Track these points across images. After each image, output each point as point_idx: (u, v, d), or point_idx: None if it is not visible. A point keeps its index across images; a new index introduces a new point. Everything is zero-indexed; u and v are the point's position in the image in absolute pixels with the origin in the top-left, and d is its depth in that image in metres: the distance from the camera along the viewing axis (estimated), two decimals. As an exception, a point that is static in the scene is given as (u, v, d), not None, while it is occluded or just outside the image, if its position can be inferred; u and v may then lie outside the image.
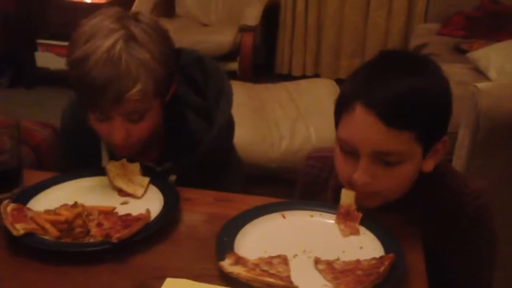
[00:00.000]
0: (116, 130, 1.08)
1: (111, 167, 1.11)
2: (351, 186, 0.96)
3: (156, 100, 1.11)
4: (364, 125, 0.90)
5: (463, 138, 1.56)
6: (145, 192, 1.08)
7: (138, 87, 1.03)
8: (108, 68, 1.02)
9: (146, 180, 1.10)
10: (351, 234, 0.96)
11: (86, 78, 1.03)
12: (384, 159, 0.91)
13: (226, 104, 1.22)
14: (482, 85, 1.52)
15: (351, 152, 0.94)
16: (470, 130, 1.51)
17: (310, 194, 1.18)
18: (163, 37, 1.11)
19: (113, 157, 1.17)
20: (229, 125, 1.28)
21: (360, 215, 0.98)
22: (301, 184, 1.21)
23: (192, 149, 1.19)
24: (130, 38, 1.04)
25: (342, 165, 0.97)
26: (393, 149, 0.90)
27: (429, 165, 0.97)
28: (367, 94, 0.90)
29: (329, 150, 1.05)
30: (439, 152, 0.97)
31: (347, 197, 0.99)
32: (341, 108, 0.94)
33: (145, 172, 1.12)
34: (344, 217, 0.99)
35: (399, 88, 0.89)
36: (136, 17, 1.09)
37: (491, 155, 1.55)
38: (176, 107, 1.19)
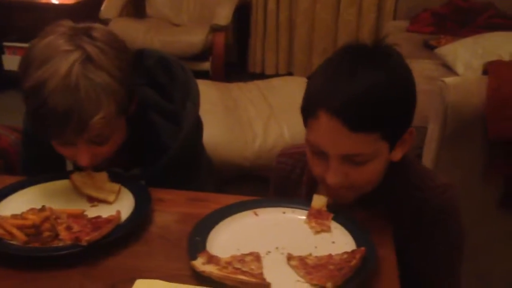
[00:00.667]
0: (80, 153, 1.04)
1: (77, 177, 1.08)
2: (325, 184, 0.97)
3: (120, 119, 1.07)
4: (329, 131, 0.91)
5: (432, 132, 1.58)
6: (116, 197, 1.06)
7: (100, 114, 0.98)
8: (66, 97, 0.95)
9: (117, 186, 1.07)
10: (322, 231, 0.97)
11: (43, 108, 0.96)
12: (352, 160, 0.93)
13: (192, 105, 1.20)
14: (449, 79, 1.55)
15: (320, 153, 0.95)
16: (439, 124, 1.54)
17: (283, 190, 1.18)
18: (121, 51, 1.05)
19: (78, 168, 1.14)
20: (197, 127, 1.26)
21: (331, 215, 0.99)
22: (274, 181, 1.22)
23: (160, 153, 1.16)
24: (87, 60, 0.98)
25: (313, 164, 0.99)
26: (360, 152, 0.92)
27: (397, 155, 0.99)
28: (329, 100, 0.89)
29: (301, 146, 1.06)
30: (407, 142, 0.99)
31: (318, 201, 1.01)
32: (306, 113, 0.95)
33: (114, 177, 1.10)
34: (315, 216, 1.00)
35: (359, 89, 0.88)
36: (89, 34, 1.01)
37: (459, 149, 1.58)
38: (141, 111, 1.16)
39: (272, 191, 1.23)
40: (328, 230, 0.97)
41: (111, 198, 1.05)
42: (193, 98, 1.21)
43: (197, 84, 1.24)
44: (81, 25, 1.04)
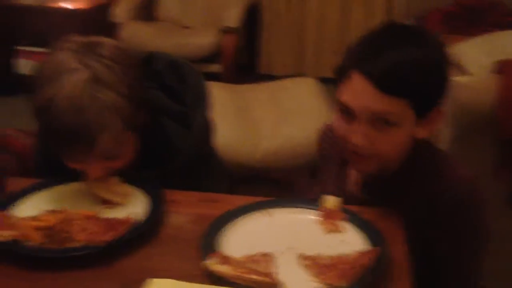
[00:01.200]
0: (91, 171, 1.05)
1: (91, 182, 1.08)
2: (347, 143, 1.00)
3: (129, 133, 1.04)
4: (359, 91, 0.94)
5: (444, 130, 1.58)
6: (129, 199, 1.07)
7: (107, 133, 0.97)
8: (72, 117, 0.95)
9: (129, 188, 1.08)
10: (334, 230, 0.97)
11: (51, 127, 0.98)
12: (378, 123, 0.95)
13: (203, 108, 1.20)
14: (460, 79, 1.55)
15: (348, 113, 0.98)
16: (450, 123, 1.53)
17: (327, 159, 1.22)
18: (128, 66, 1.03)
19: None
20: (208, 129, 1.26)
21: (343, 215, 0.99)
22: (319, 151, 1.27)
23: (171, 156, 1.17)
24: (94, 80, 0.97)
25: (339, 125, 1.01)
26: (386, 113, 0.94)
27: (422, 133, 1.00)
28: (364, 63, 0.94)
29: None
30: (433, 121, 1.00)
31: (331, 201, 1.02)
32: (340, 74, 0.99)
33: (127, 179, 1.10)
34: (327, 216, 1.00)
35: (394, 58, 0.93)
36: (98, 52, 1.00)
37: (470, 147, 1.57)
38: (152, 115, 1.15)
39: (318, 162, 1.28)
40: (340, 230, 0.97)
41: (124, 200, 1.06)
42: (204, 100, 1.21)
43: (207, 87, 1.24)
44: (89, 39, 1.03)
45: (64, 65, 0.97)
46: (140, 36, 3.46)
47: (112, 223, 0.96)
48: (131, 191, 1.08)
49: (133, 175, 1.14)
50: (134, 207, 1.02)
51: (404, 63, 0.92)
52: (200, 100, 1.21)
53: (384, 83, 0.92)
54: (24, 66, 3.71)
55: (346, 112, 0.98)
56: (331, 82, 1.02)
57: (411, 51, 0.94)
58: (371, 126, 0.96)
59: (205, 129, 1.23)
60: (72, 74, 0.96)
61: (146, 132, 1.14)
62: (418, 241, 0.97)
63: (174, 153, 1.17)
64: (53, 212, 0.99)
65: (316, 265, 0.87)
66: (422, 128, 0.99)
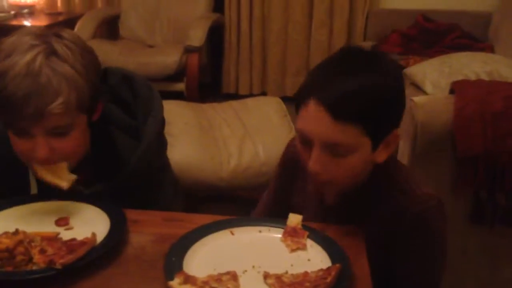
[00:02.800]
0: (38, 146, 1.03)
1: (37, 167, 1.08)
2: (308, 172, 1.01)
3: (81, 116, 1.07)
4: (315, 118, 0.95)
5: (404, 149, 1.62)
6: (71, 186, 1.07)
7: (59, 100, 0.99)
8: (27, 82, 0.98)
9: (73, 176, 1.08)
10: (298, 249, 0.98)
11: (3, 93, 0.98)
12: (333, 150, 0.96)
13: (154, 122, 1.21)
14: (418, 98, 1.60)
15: (307, 142, 0.99)
16: (409, 141, 1.58)
17: (291, 175, 1.22)
18: (87, 52, 1.08)
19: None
20: (158, 143, 1.26)
21: (307, 233, 1.00)
22: (281, 168, 1.27)
23: (121, 169, 1.17)
24: (51, 52, 1.01)
25: (301, 153, 1.03)
26: (340, 141, 0.95)
27: (381, 157, 1.02)
28: (320, 90, 0.95)
29: None
30: (391, 144, 1.02)
31: (294, 219, 1.04)
32: (299, 101, 1.00)
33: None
34: (290, 234, 1.01)
35: (348, 85, 0.94)
36: (58, 34, 1.05)
37: (429, 165, 1.62)
38: (103, 126, 1.17)
39: (278, 177, 1.28)
40: (303, 248, 0.98)
41: (65, 184, 1.06)
42: (155, 114, 1.22)
43: (161, 103, 1.25)
44: (52, 29, 1.08)
45: (24, 42, 1.02)
46: (103, 54, 3.43)
47: (71, 245, 0.94)
48: (74, 179, 1.08)
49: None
50: (95, 227, 1.01)
51: (357, 90, 0.93)
52: (151, 114, 1.22)
53: (337, 110, 0.93)
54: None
55: (305, 140, 0.99)
56: (294, 101, 1.04)
57: (365, 77, 0.94)
58: (326, 153, 0.97)
59: (155, 142, 1.22)
60: (30, 48, 1.01)
61: (97, 142, 1.15)
62: (379, 257, 0.98)
63: (121, 166, 1.17)
64: (11, 234, 0.96)
65: (280, 283, 0.87)
66: (379, 152, 1.01)
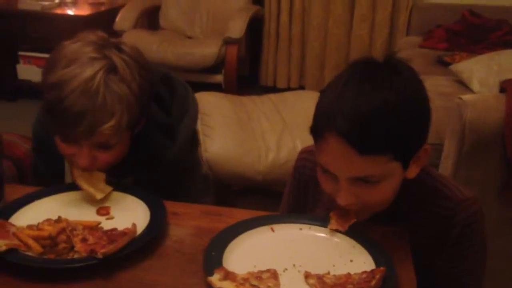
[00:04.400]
0: (82, 156, 1.06)
1: (77, 169, 1.09)
2: (332, 209, 0.97)
3: (127, 132, 1.09)
4: (337, 154, 0.88)
5: (449, 149, 1.57)
6: (105, 198, 1.07)
7: (111, 122, 1.01)
8: (84, 99, 0.99)
9: (109, 188, 1.09)
10: (336, 230, 0.97)
11: (60, 105, 1.00)
12: (363, 180, 0.91)
13: (189, 121, 1.23)
14: (467, 97, 1.54)
15: (330, 173, 0.94)
16: (456, 141, 1.52)
17: (304, 187, 1.17)
18: (143, 68, 1.09)
19: None
20: (191, 142, 1.28)
21: (354, 220, 0.97)
22: (294, 179, 1.20)
23: (153, 165, 1.18)
24: (111, 69, 1.02)
25: (324, 183, 0.97)
26: (370, 174, 0.90)
27: (412, 172, 0.97)
28: (336, 122, 0.86)
29: None
30: (422, 159, 0.97)
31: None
32: (315, 133, 0.93)
33: (123, 186, 1.11)
34: (339, 214, 0.98)
35: (365, 109, 0.85)
36: (118, 46, 1.06)
37: (476, 166, 1.56)
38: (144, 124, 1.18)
39: (290, 190, 1.21)
40: (343, 229, 0.96)
41: (99, 195, 1.06)
42: (192, 114, 1.25)
43: (195, 100, 1.28)
44: (112, 39, 1.09)
45: (85, 52, 1.02)
46: (143, 45, 3.46)
47: (113, 235, 0.94)
48: (109, 191, 1.08)
49: (112, 183, 1.13)
50: (136, 219, 1.00)
51: (380, 113, 0.84)
52: (187, 114, 1.24)
53: (362, 145, 0.85)
54: (26, 71, 3.70)
55: (329, 173, 0.93)
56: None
57: (382, 94, 0.85)
58: (356, 184, 0.91)
59: (188, 141, 1.24)
60: (91, 61, 1.01)
61: (134, 139, 1.16)
62: (418, 262, 0.94)
63: (154, 163, 1.19)
64: (53, 221, 0.97)
65: (322, 284, 0.85)
66: (411, 169, 0.95)
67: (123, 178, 1.18)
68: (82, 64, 1.01)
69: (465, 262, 1.02)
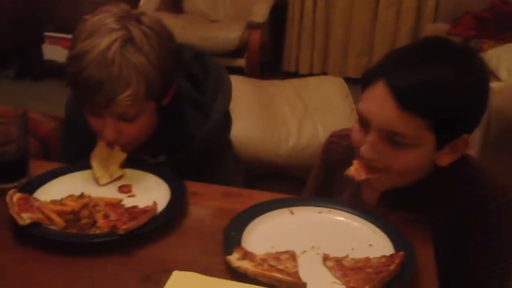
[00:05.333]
0: (107, 128, 1.08)
1: (100, 146, 1.11)
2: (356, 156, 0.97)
3: (149, 103, 1.09)
4: (380, 101, 0.90)
5: (474, 138, 1.54)
6: (109, 182, 1.07)
7: (128, 91, 1.02)
8: (101, 69, 1.01)
9: (119, 173, 1.09)
10: (353, 175, 0.96)
11: (79, 76, 1.02)
12: (392, 139, 0.91)
13: (223, 99, 1.22)
14: (494, 84, 1.51)
15: (365, 124, 0.94)
16: (481, 130, 1.50)
17: (331, 171, 1.18)
18: (165, 39, 1.09)
19: None
20: (226, 121, 1.27)
21: (372, 176, 0.96)
22: (322, 162, 1.21)
23: (187, 143, 1.18)
24: (128, 40, 1.03)
25: (355, 133, 0.98)
26: (402, 131, 0.89)
27: (444, 160, 0.96)
28: (391, 74, 0.90)
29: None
30: (458, 150, 0.95)
31: None
32: (367, 81, 0.95)
33: (139, 164, 1.12)
34: (362, 163, 0.97)
35: (424, 75, 0.88)
36: (138, 18, 1.06)
37: (502, 155, 1.54)
38: (174, 101, 1.18)
39: (317, 173, 1.23)
40: (358, 177, 0.96)
41: (103, 181, 1.07)
42: (225, 93, 1.23)
43: (229, 79, 1.26)
44: (134, 11, 1.10)
45: (105, 24, 1.04)
46: (170, 27, 3.46)
47: (134, 212, 0.95)
48: (118, 176, 1.08)
49: (145, 161, 1.15)
50: (156, 197, 1.01)
51: (435, 83, 0.87)
52: (221, 91, 1.23)
53: (406, 100, 0.87)
54: (51, 52, 3.75)
55: (363, 122, 0.94)
56: (356, 82, 0.99)
57: (446, 71, 0.88)
58: (384, 141, 0.91)
59: (222, 120, 1.24)
60: (109, 32, 1.03)
61: (166, 115, 1.17)
62: (444, 249, 0.94)
63: (188, 140, 1.19)
64: (76, 197, 0.99)
65: (340, 267, 0.85)
66: (444, 155, 0.95)
67: (157, 156, 1.19)
68: (100, 35, 1.02)
69: (493, 253, 1.01)
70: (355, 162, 0.97)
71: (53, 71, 3.68)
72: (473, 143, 1.53)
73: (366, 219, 0.98)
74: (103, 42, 1.01)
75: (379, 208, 1.03)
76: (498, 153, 1.52)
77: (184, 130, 1.21)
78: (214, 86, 1.23)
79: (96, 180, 1.07)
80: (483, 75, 0.93)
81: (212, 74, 1.25)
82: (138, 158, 1.15)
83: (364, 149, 0.93)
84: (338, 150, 1.16)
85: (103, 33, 1.02)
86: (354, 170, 0.97)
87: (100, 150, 1.11)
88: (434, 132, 0.90)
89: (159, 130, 1.18)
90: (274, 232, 0.95)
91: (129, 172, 1.11)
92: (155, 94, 1.09)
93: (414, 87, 0.87)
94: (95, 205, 0.96)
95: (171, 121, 1.19)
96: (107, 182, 1.07)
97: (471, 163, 1.03)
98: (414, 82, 0.87)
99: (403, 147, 0.91)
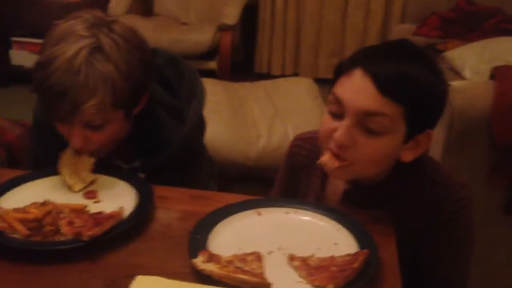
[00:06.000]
0: (73, 136, 1.07)
1: (66, 154, 1.10)
2: (326, 147, 0.97)
3: (117, 112, 1.07)
4: (357, 87, 0.92)
5: (438, 136, 1.57)
6: (84, 188, 1.07)
7: (93, 101, 1.01)
8: (66, 77, 0.99)
9: (91, 177, 1.08)
10: (328, 161, 0.96)
11: (44, 83, 1.01)
12: (366, 126, 0.92)
13: (197, 104, 1.22)
14: (456, 83, 1.54)
15: (337, 114, 0.95)
16: (445, 128, 1.53)
17: (295, 175, 1.19)
18: (137, 48, 1.07)
19: None
20: (200, 125, 1.28)
21: (346, 163, 0.96)
22: (288, 164, 1.22)
23: (162, 148, 1.18)
24: (96, 48, 1.01)
25: (326, 124, 0.98)
26: (381, 112, 0.91)
27: (407, 155, 0.98)
28: (371, 62, 0.93)
29: (317, 132, 1.05)
30: (421, 145, 0.98)
31: None
32: (341, 70, 0.97)
33: (112, 170, 1.11)
34: (333, 153, 0.97)
35: (402, 67, 0.91)
36: (110, 25, 1.05)
37: (464, 153, 1.57)
38: (148, 106, 1.17)
39: (282, 176, 1.23)
40: (332, 166, 0.96)
41: (77, 187, 1.06)
42: (199, 97, 1.23)
43: (203, 84, 1.26)
44: (107, 18, 1.08)
45: (74, 31, 1.02)
46: (139, 29, 3.44)
47: (99, 218, 0.94)
48: (90, 181, 1.08)
49: (119, 167, 1.14)
50: (123, 202, 1.01)
51: (411, 74, 0.91)
52: (195, 96, 1.22)
53: (386, 85, 0.90)
54: (19, 57, 3.68)
55: (336, 112, 0.96)
56: (327, 83, 1.01)
57: (419, 66, 0.93)
58: (358, 128, 0.93)
59: (197, 124, 1.24)
60: (79, 39, 1.01)
61: (140, 121, 1.16)
62: (406, 247, 0.96)
63: (163, 146, 1.18)
64: (39, 204, 0.98)
65: (306, 266, 0.86)
66: (407, 150, 0.97)
67: (131, 161, 1.18)
68: (69, 42, 1.01)
69: (452, 248, 1.03)
70: (327, 152, 0.98)
71: (20, 76, 3.61)
72: (437, 141, 1.56)
73: (331, 218, 0.99)
74: (71, 49, 1.00)
75: (342, 207, 1.05)
76: (460, 152, 1.56)
77: (159, 135, 1.20)
78: (188, 91, 1.23)
79: (70, 188, 1.06)
80: (443, 76, 0.98)
81: (186, 79, 1.25)
82: (111, 164, 1.13)
83: (338, 134, 0.93)
84: (303, 153, 1.17)
85: (72, 40, 1.01)
86: (328, 159, 0.97)
87: (67, 156, 1.10)
88: (406, 122, 0.93)
89: (133, 135, 1.18)
90: (241, 234, 0.95)
91: (96, 178, 1.10)
92: (124, 104, 1.07)
93: (392, 74, 0.91)
94: (59, 212, 0.95)
95: (145, 126, 1.18)
96: (81, 187, 1.06)
97: (428, 162, 1.06)
98: (392, 70, 0.91)
99: (374, 135, 0.93)
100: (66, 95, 1.00)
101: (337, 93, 0.96)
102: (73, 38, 1.01)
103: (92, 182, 1.08)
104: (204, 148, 1.37)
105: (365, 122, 0.92)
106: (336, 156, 0.96)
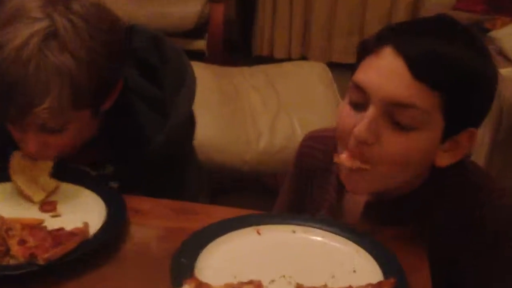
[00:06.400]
0: (28, 141, 1.07)
1: (17, 157, 1.10)
2: (346, 146, 0.96)
3: (80, 112, 1.06)
4: (387, 70, 0.92)
5: (483, 135, 1.58)
6: (46, 198, 1.07)
7: (46, 103, 0.99)
8: (14, 70, 0.98)
9: (53, 184, 1.09)
10: (346, 161, 0.96)
11: None
12: (396, 118, 0.92)
13: (187, 94, 1.22)
14: (505, 71, 1.54)
15: (359, 105, 0.95)
16: (491, 125, 1.54)
17: (306, 181, 1.19)
18: (103, 30, 1.05)
19: None
20: (189, 123, 1.27)
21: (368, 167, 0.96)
22: (295, 171, 1.23)
23: (140, 150, 1.17)
24: (50, 34, 1.00)
25: (345, 118, 0.98)
26: (414, 104, 0.91)
27: (443, 159, 0.98)
28: (402, 40, 0.93)
29: (332, 130, 1.05)
30: (461, 147, 0.98)
31: None
32: (364, 50, 0.97)
33: (76, 176, 1.11)
34: (353, 152, 0.96)
35: (439, 46, 0.92)
36: (69, 5, 1.03)
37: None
38: (123, 97, 1.16)
39: (289, 185, 1.24)
40: (353, 166, 0.96)
41: (37, 197, 1.06)
42: (188, 88, 1.22)
43: (194, 73, 1.25)
44: None
45: (26, 12, 1.01)
46: (108, 3, 3.43)
47: (59, 236, 0.94)
48: (53, 189, 1.08)
49: (86, 173, 1.15)
50: (89, 216, 1.01)
51: (449, 55, 0.91)
52: (183, 84, 1.22)
53: (421, 67, 0.90)
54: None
55: (357, 105, 0.95)
56: (342, 68, 1.01)
57: (464, 51, 0.93)
58: (384, 119, 0.93)
59: (185, 122, 1.24)
60: (30, 23, 0.99)
61: (113, 116, 1.16)
62: (441, 271, 0.96)
63: (142, 147, 1.18)
64: (-16, 219, 0.98)
65: (316, 299, 0.86)
66: (444, 153, 0.97)
67: (102, 168, 1.18)
68: (17, 26, 0.99)
69: (500, 272, 1.03)
70: (345, 152, 0.97)
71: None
72: (482, 142, 1.57)
73: (349, 238, 0.99)
74: (20, 36, 0.98)
75: (363, 224, 1.05)
76: (509, 151, 1.57)
77: (136, 134, 1.20)
78: (174, 78, 1.22)
79: (28, 199, 1.06)
80: (493, 60, 0.98)
81: (171, 64, 1.24)
82: (76, 169, 1.13)
83: (360, 127, 0.93)
84: (315, 156, 1.17)
85: (22, 23, 1.00)
86: (345, 158, 0.96)
87: (18, 162, 1.10)
88: (444, 116, 0.92)
89: (104, 135, 1.18)
90: (236, 258, 0.96)
91: (58, 185, 1.10)
92: (87, 101, 1.06)
93: (428, 55, 0.91)
94: (8, 229, 0.95)
95: (119, 123, 1.18)
96: (42, 198, 1.06)
97: (468, 165, 1.06)
98: (428, 50, 0.91)
99: (404, 131, 0.93)
100: (14, 92, 0.99)
101: (359, 78, 0.96)
102: (24, 20, 1.00)
103: (55, 190, 1.08)
104: (192, 153, 1.38)
105: (393, 113, 0.92)
106: (356, 156, 0.96)
